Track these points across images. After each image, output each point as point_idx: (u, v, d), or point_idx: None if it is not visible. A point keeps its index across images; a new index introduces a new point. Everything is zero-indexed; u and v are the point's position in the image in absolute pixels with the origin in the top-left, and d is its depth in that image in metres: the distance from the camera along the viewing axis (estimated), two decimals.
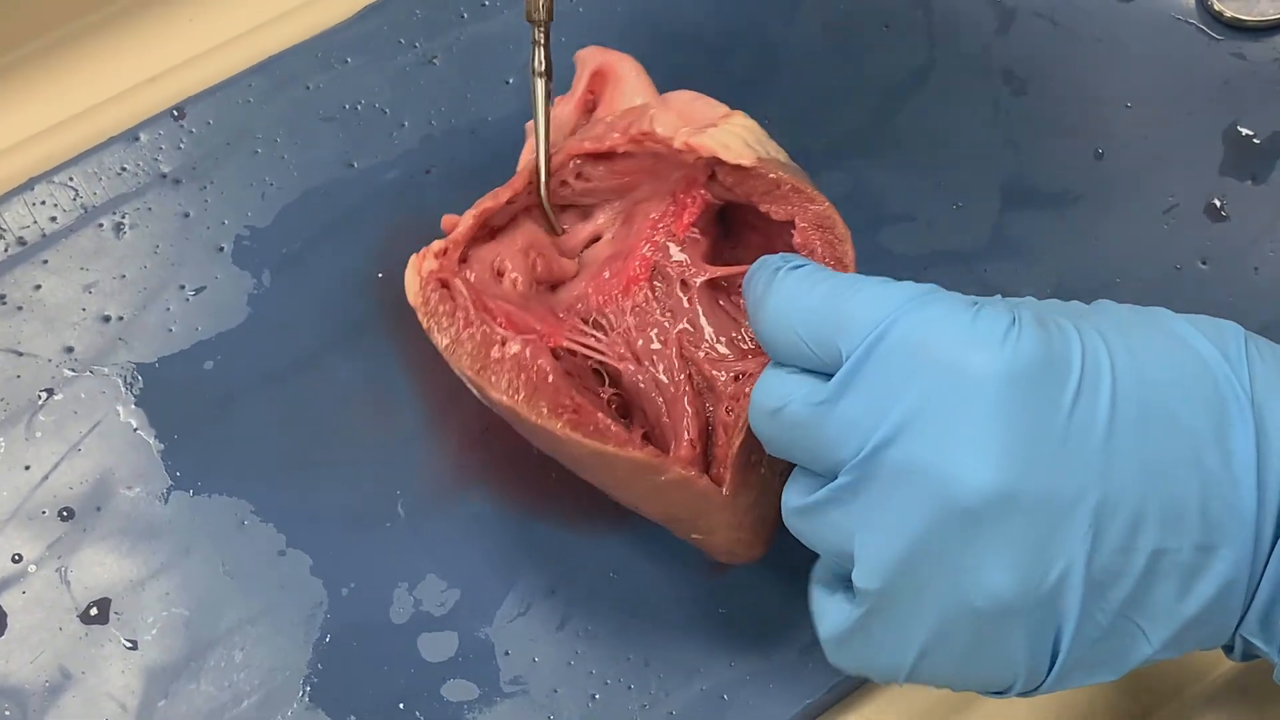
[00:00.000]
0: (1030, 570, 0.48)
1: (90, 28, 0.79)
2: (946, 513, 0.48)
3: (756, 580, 0.66)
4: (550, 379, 0.60)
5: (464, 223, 0.64)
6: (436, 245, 0.63)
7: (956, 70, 0.78)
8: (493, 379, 0.60)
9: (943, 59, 0.78)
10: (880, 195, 0.75)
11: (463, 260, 0.63)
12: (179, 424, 0.69)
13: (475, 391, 0.62)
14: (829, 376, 0.52)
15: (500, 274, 0.65)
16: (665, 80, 0.68)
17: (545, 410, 0.59)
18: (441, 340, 0.61)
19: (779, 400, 0.53)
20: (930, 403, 0.49)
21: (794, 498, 0.55)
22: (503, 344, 0.60)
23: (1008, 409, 0.48)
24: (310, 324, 0.71)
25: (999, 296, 0.55)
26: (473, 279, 0.63)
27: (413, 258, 0.63)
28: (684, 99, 0.66)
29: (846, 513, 0.51)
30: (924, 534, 0.49)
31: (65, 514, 0.67)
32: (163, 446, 0.68)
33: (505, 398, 0.59)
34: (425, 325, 0.61)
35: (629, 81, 0.67)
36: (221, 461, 0.68)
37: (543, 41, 0.65)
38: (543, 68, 0.65)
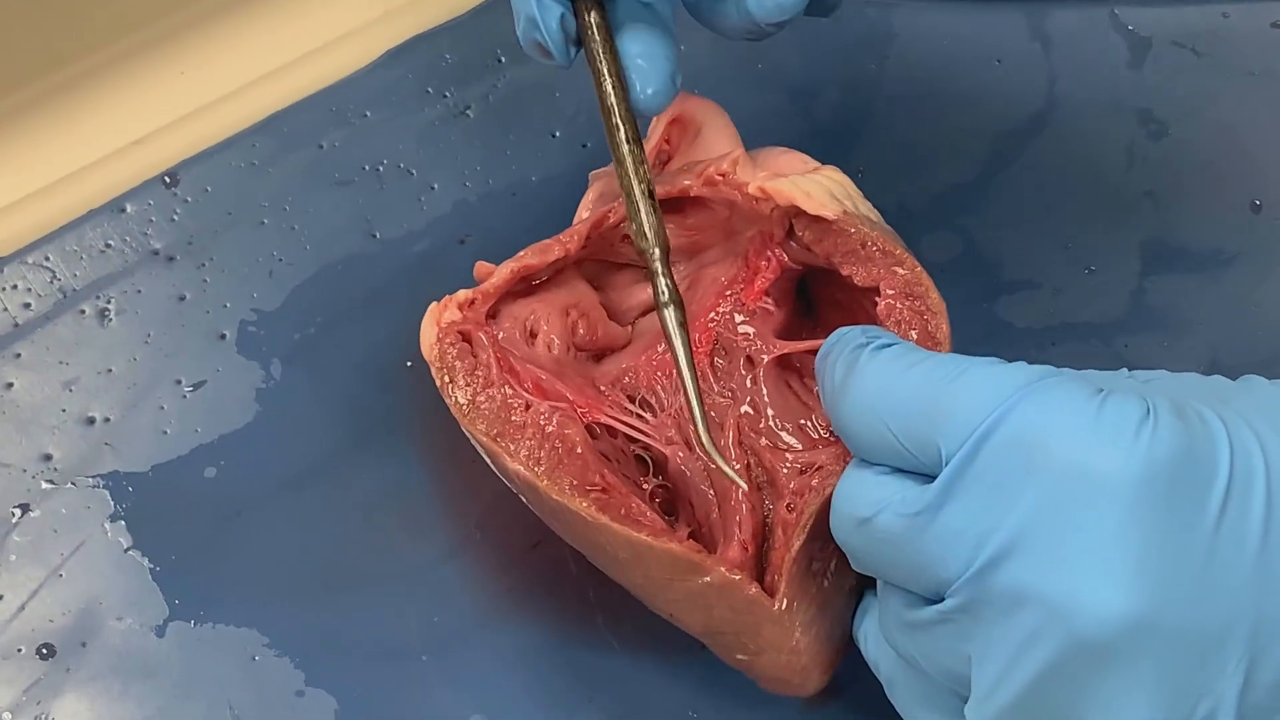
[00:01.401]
0: (1171, 712, 0.48)
1: (68, 84, 0.79)
2: (1072, 647, 0.48)
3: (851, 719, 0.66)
4: (578, 450, 0.60)
5: (499, 274, 0.65)
6: (462, 295, 0.64)
7: (1083, 111, 0.79)
8: (511, 446, 0.60)
9: (1066, 98, 0.79)
10: (996, 259, 0.75)
11: (492, 315, 0.65)
12: (176, 543, 0.68)
13: (492, 465, 0.62)
14: (926, 477, 0.52)
15: (533, 334, 0.66)
16: (743, 127, 0.69)
17: (569, 487, 0.59)
18: (457, 397, 0.62)
19: (868, 509, 0.53)
20: (1049, 513, 0.48)
21: (895, 612, 0.55)
22: (526, 408, 0.61)
23: (1141, 521, 0.47)
24: (328, 423, 0.71)
25: (1125, 370, 0.56)
26: (501, 337, 0.64)
27: (432, 306, 0.64)
28: (772, 153, 0.67)
29: (959, 636, 0.51)
30: (1046, 670, 0.49)
31: (45, 651, 0.66)
32: (158, 569, 0.68)
33: (524, 468, 0.60)
34: (439, 382, 0.62)
35: (712, 130, 0.68)
36: (227, 586, 0.68)
37: (660, 269, 0.62)
38: (667, 296, 0.62)
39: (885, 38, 0.80)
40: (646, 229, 0.62)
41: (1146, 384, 0.54)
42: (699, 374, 0.63)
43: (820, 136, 0.77)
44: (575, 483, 0.59)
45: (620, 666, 0.67)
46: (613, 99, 0.62)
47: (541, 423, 0.61)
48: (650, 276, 0.62)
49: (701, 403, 0.60)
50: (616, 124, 0.62)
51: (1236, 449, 0.48)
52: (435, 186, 0.76)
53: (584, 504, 0.59)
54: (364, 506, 0.70)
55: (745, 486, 0.61)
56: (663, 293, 0.62)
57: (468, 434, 0.62)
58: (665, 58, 0.63)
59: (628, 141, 0.63)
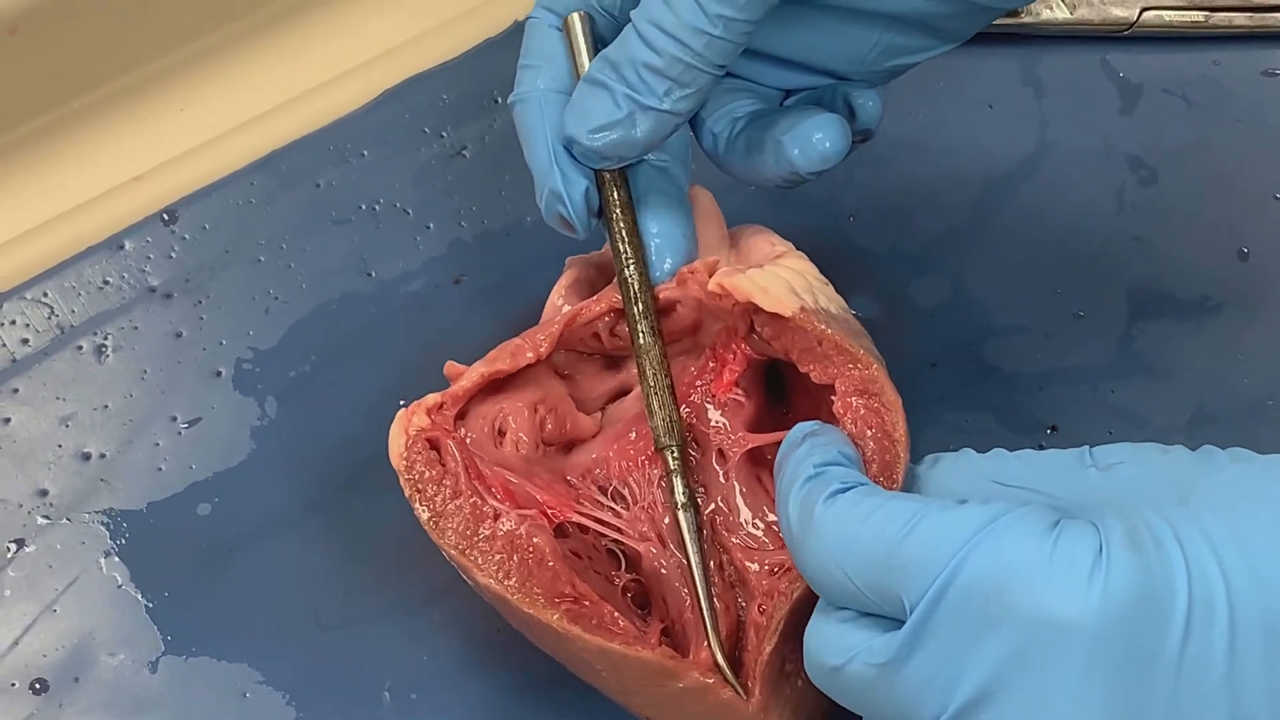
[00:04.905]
0: None
1: (68, 120, 0.80)
2: None
3: None
4: (548, 562, 0.60)
5: (468, 377, 0.64)
6: (430, 399, 0.63)
7: (1073, 156, 0.79)
8: (479, 560, 0.60)
9: (1057, 144, 0.79)
10: (985, 304, 0.75)
11: (460, 417, 0.64)
12: (170, 579, 0.69)
13: (463, 575, 0.62)
14: (893, 620, 0.52)
15: (501, 433, 0.65)
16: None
17: (541, 600, 0.59)
18: (423, 513, 0.61)
19: (838, 658, 0.53)
20: (1014, 664, 0.49)
21: None
22: (495, 519, 0.61)
23: (1104, 665, 0.48)
24: (321, 461, 0.72)
25: (1087, 450, 0.55)
26: (470, 440, 0.63)
27: (401, 412, 0.62)
28: (744, 232, 0.66)
29: None
30: None
31: (38, 686, 0.67)
32: (151, 605, 0.69)
33: (494, 582, 0.59)
34: (407, 494, 0.61)
35: (698, 216, 0.66)
36: (219, 623, 0.68)
37: (680, 469, 0.62)
38: (685, 499, 0.61)
39: None
40: (663, 428, 0.62)
41: (1106, 474, 0.54)
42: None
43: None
44: (546, 594, 0.59)
45: (606, 709, 0.65)
46: (636, 287, 0.62)
47: (510, 534, 0.60)
48: (667, 475, 0.62)
49: (714, 613, 0.60)
50: (639, 314, 0.62)
51: (1194, 575, 0.48)
52: (431, 226, 0.77)
53: (554, 616, 0.59)
54: (356, 544, 0.70)
55: (745, 697, 0.59)
56: (680, 496, 0.61)
57: (440, 548, 0.61)
58: (683, 235, 0.63)
59: (650, 334, 0.62)
